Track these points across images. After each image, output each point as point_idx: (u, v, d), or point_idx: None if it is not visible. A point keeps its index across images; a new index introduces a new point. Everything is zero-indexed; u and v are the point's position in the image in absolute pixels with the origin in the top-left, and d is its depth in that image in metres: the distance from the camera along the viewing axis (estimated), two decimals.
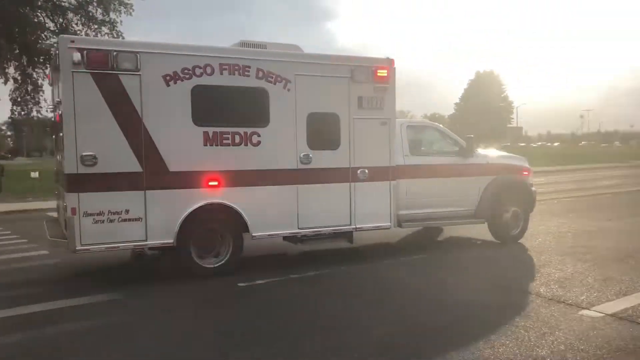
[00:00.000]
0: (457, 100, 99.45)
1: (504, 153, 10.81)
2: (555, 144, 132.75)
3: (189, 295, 6.73)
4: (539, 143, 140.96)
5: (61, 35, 6.75)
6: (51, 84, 7.99)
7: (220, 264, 7.42)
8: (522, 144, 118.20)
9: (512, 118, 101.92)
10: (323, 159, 7.89)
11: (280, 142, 7.64)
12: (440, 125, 10.20)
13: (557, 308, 5.86)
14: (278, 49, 7.87)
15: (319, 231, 7.99)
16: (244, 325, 5.59)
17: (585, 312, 5.68)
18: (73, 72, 6.47)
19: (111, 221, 6.67)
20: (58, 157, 7.72)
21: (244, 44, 7.82)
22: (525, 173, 10.01)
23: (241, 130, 7.35)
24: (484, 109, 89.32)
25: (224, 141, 7.26)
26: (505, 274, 7.65)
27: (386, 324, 5.51)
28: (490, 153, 10.06)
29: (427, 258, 8.64)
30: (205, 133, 7.14)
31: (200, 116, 7.11)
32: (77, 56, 6.43)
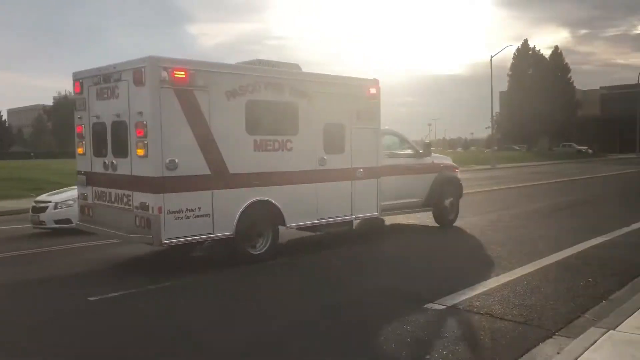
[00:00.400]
0: None
1: (440, 155, 13.13)
2: None
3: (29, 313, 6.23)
4: None
5: (150, 55, 7.49)
6: (103, 96, 8.38)
7: (262, 251, 8.54)
8: None
9: None
10: (333, 161, 9.51)
11: (306, 147, 9.09)
12: (399, 132, 11.97)
13: (405, 302, 6.30)
14: (283, 67, 9.58)
15: (331, 221, 9.54)
16: (93, 341, 5.29)
17: (429, 305, 6.14)
18: (161, 88, 7.39)
19: (187, 217, 7.65)
20: (105, 161, 8.39)
21: (260, 62, 9.52)
22: (456, 170, 12.51)
23: (279, 137, 8.72)
24: None
25: (268, 147, 8.56)
26: (352, 272, 8.03)
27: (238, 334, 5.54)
28: (433, 154, 12.21)
29: (287, 262, 8.78)
30: (255, 140, 8.40)
31: (251, 126, 8.35)
32: (164, 74, 7.38)
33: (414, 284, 7.12)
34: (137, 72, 7.55)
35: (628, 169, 35.79)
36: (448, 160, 12.60)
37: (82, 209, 9.17)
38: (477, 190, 21.66)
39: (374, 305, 6.25)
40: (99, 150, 8.64)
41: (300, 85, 9.09)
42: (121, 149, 8.03)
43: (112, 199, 8.31)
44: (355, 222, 10.26)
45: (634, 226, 11.27)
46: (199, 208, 7.76)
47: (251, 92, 8.36)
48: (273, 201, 8.57)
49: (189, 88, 7.68)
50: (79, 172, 9.16)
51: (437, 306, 6.09)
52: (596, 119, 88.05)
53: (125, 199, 8.00)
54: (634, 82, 75.56)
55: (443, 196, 11.69)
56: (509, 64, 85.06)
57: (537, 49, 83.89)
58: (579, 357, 4.28)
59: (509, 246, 9.46)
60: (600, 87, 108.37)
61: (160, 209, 7.41)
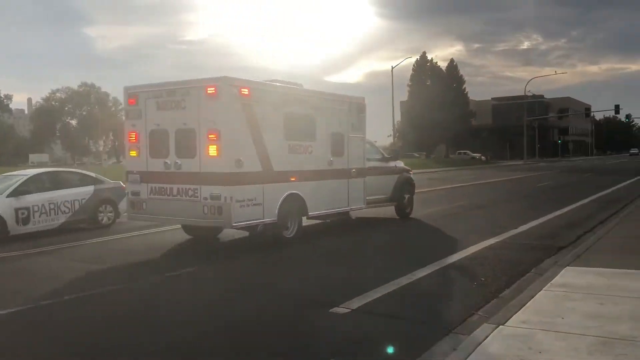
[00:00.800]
0: None
1: (399, 160, 15.40)
2: None
3: None
4: None
5: (225, 76, 9.31)
6: (166, 107, 9.88)
7: (292, 235, 10.53)
8: None
9: None
10: (337, 163, 11.74)
11: (320, 151, 11.31)
12: (371, 140, 14.53)
13: (310, 308, 6.40)
14: (287, 84, 11.24)
15: (336, 211, 11.90)
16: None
17: (335, 309, 6.27)
18: (231, 102, 9.22)
19: (248, 205, 9.46)
20: (167, 161, 9.87)
21: (275, 81, 11.13)
22: (410, 172, 15.17)
23: (304, 143, 10.86)
24: None
25: (297, 150, 10.69)
26: (263, 280, 8.04)
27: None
28: (395, 159, 14.92)
29: (192, 272, 8.61)
30: (289, 144, 10.47)
31: (287, 133, 10.38)
32: (234, 91, 9.28)
33: (320, 289, 7.24)
34: (211, 88, 9.26)
35: (516, 175, 38.48)
36: (404, 165, 15.32)
37: (132, 204, 10.47)
38: None
39: (281, 312, 6.28)
40: (158, 152, 10.05)
41: (317, 101, 11.47)
42: (187, 151, 9.65)
43: (175, 193, 9.80)
44: (351, 213, 12.68)
45: (521, 228, 12.14)
46: (255, 198, 9.66)
47: (287, 106, 10.47)
48: (301, 194, 10.66)
49: (250, 102, 9.60)
50: (130, 172, 10.43)
51: (342, 310, 6.23)
52: (488, 127, 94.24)
53: (190, 192, 9.58)
54: (522, 93, 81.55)
55: (403, 193, 14.27)
56: (409, 75, 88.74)
57: (434, 61, 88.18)
58: (472, 352, 4.55)
59: (410, 251, 9.88)
60: (492, 98, 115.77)
61: (231, 198, 9.19)
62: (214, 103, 9.29)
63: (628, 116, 78.52)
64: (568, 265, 7.70)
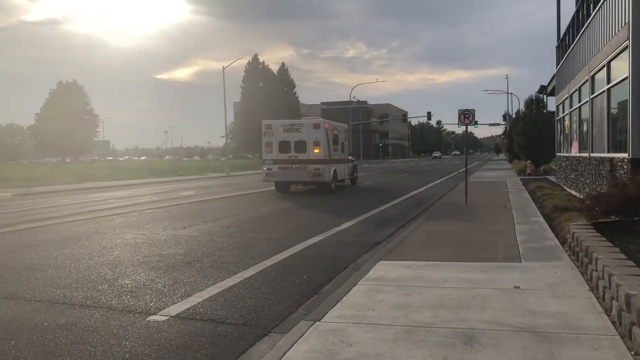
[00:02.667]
0: (38, 111, 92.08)
1: (351, 156, 28.68)
2: (142, 158, 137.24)
3: None
4: (126, 157, 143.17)
5: (323, 119, 24.98)
6: (289, 131, 23.49)
7: (333, 187, 24.28)
8: (110, 158, 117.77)
9: (98, 131, 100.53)
10: (342, 156, 26.10)
11: (340, 151, 25.41)
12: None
13: (127, 318, 5.99)
14: (337, 124, 27.26)
15: (342, 178, 25.83)
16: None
17: (153, 317, 5.97)
18: (324, 129, 23.06)
19: (328, 172, 23.32)
20: (290, 155, 23.05)
21: (305, 118, 28.50)
22: (354, 160, 29.03)
23: (337, 147, 24.92)
24: (67, 121, 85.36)
25: (334, 150, 24.38)
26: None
27: None
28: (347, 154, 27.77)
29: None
30: (334, 147, 24.31)
31: (332, 142, 23.92)
32: (324, 125, 23.26)
33: (139, 297, 6.84)
34: (317, 123, 23.06)
35: None
36: (351, 157, 28.45)
37: (267, 174, 23.35)
38: (211, 198, 22.04)
39: (98, 322, 5.80)
40: (284, 150, 22.97)
41: (338, 127, 25.84)
42: (301, 150, 22.72)
43: (293, 168, 22.72)
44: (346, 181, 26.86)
45: (343, 226, 12.77)
46: (328, 169, 23.08)
47: (334, 131, 24.67)
48: (337, 169, 24.39)
49: (328, 129, 23.49)
50: (266, 160, 23.41)
51: (160, 318, 5.95)
52: None
53: (302, 167, 22.58)
54: (348, 99, 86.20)
55: (354, 173, 28.33)
56: (242, 76, 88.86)
57: (266, 64, 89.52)
58: (288, 350, 4.60)
59: (236, 251, 9.80)
60: (322, 102, 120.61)
61: (325, 168, 22.68)
62: (316, 130, 22.79)
63: (439, 122, 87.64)
64: (382, 260, 8.22)
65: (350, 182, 27.67)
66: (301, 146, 22.67)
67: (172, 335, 5.40)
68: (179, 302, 6.57)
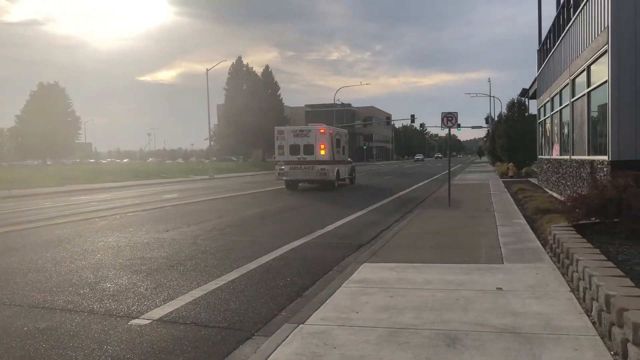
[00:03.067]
0: (19, 112, 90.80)
1: (349, 159, 31.83)
2: (125, 160, 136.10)
3: None
4: (109, 159, 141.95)
5: (327, 125, 29.52)
6: (298, 136, 27.61)
7: (337, 185, 27.78)
8: (92, 160, 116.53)
9: (80, 134, 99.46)
10: (344, 158, 29.94)
11: (342, 153, 29.42)
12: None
13: (108, 322, 5.93)
14: (340, 127, 38.88)
15: (345, 178, 29.95)
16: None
17: (135, 321, 5.91)
18: (328, 135, 27.14)
19: (331, 172, 26.98)
20: (299, 157, 26.98)
21: (311, 125, 29.90)
22: (353, 163, 32.42)
23: (339, 149, 28.63)
24: (49, 123, 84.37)
25: (338, 152, 28.26)
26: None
27: None
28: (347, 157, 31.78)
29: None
30: (337, 150, 28.12)
31: (335, 145, 27.77)
32: (329, 131, 27.32)
33: (121, 301, 6.78)
34: (322, 128, 26.91)
35: None
36: (349, 158, 31.76)
37: (279, 174, 27.13)
38: (194, 201, 21.92)
39: (79, 327, 5.73)
40: (294, 153, 26.81)
41: (340, 132, 30.00)
42: (310, 152, 26.54)
43: (302, 168, 26.60)
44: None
45: (328, 228, 12.78)
46: (332, 169, 26.70)
47: (336, 135, 28.20)
48: (339, 170, 27.93)
49: (332, 134, 27.34)
50: (278, 161, 27.24)
51: (143, 321, 5.90)
52: None
53: (310, 167, 26.42)
54: (332, 101, 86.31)
55: (352, 173, 31.37)
56: (226, 78, 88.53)
57: (250, 66, 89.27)
58: (271, 353, 4.59)
59: (219, 254, 9.75)
60: (306, 105, 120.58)
61: (328, 169, 26.31)
62: (322, 135, 26.49)
63: (422, 125, 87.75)
64: (366, 262, 8.24)
65: (349, 181, 31.05)
66: (309, 149, 26.60)
67: (155, 339, 5.36)
68: (161, 305, 6.51)
